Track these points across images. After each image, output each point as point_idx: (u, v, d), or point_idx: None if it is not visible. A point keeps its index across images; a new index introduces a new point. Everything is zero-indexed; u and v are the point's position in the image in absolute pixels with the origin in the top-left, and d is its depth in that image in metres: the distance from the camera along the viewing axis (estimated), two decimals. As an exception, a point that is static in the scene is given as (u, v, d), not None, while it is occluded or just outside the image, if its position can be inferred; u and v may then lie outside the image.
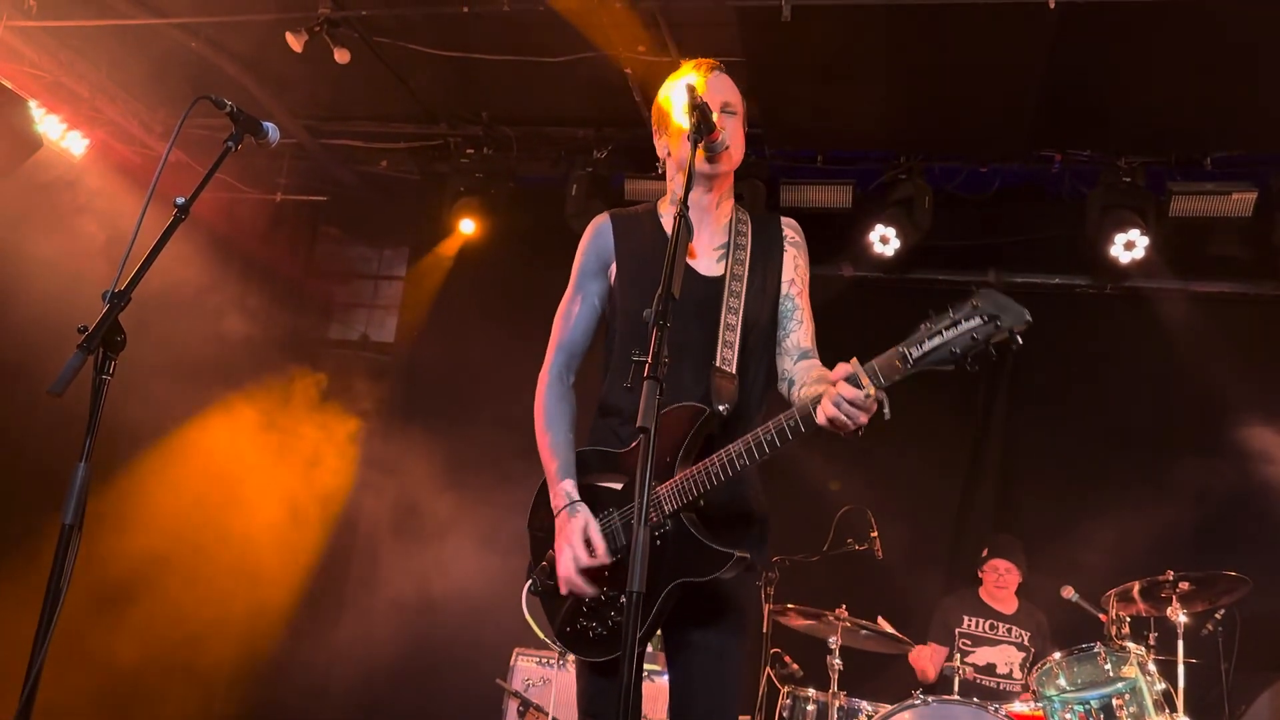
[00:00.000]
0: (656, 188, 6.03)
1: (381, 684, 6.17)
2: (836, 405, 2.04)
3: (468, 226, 6.52)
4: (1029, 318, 1.87)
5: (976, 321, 1.89)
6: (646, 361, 1.90)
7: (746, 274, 2.49)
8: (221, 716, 6.43)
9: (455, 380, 6.63)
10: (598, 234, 2.59)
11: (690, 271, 2.46)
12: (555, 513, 2.39)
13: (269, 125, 2.42)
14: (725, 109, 2.47)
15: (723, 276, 2.48)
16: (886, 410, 2.05)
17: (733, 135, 2.46)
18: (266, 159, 6.58)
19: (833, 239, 6.07)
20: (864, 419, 2.04)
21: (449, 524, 6.05)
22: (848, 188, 5.92)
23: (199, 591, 6.11)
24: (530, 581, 2.44)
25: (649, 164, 6.10)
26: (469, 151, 6.50)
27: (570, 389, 2.58)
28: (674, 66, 4.83)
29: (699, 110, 2.23)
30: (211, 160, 2.32)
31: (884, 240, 5.80)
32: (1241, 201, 5.56)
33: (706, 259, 2.52)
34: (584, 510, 2.36)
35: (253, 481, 6.22)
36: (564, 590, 2.33)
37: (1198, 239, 5.87)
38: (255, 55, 5.68)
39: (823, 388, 2.13)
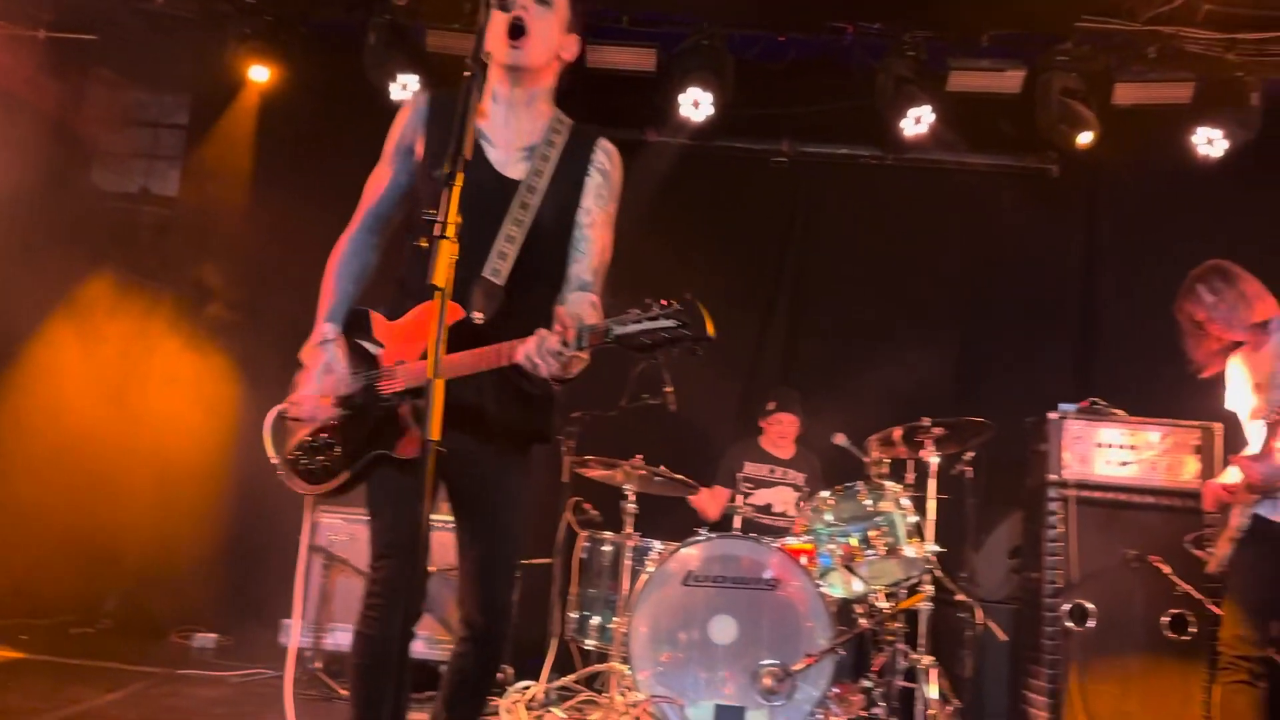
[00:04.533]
0: (462, 42, 5.88)
1: (184, 548, 6.08)
2: (537, 347, 2.16)
3: (259, 74, 6.15)
4: (711, 335, 2.10)
5: (672, 323, 2.09)
6: (438, 220, 1.92)
7: (544, 186, 2.47)
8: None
9: (250, 237, 6.38)
10: (414, 112, 2.57)
11: (488, 163, 2.46)
12: (309, 346, 2.49)
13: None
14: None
15: (517, 181, 2.47)
16: (667, 387, 2.22)
17: (541, 29, 2.44)
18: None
19: (638, 103, 6.15)
20: (557, 369, 2.16)
21: (244, 387, 5.93)
22: (651, 51, 5.94)
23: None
24: (288, 405, 2.56)
25: (454, 13, 5.92)
26: (254, -10, 6.07)
27: (372, 249, 2.60)
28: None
29: None
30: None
31: (695, 105, 5.82)
32: (1012, 78, 5.99)
33: (509, 156, 2.50)
34: (332, 349, 2.46)
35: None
36: (298, 414, 2.48)
37: (973, 113, 6.30)
38: None
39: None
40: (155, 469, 6.27)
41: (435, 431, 1.88)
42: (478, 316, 2.34)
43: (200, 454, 6.04)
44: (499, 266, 2.40)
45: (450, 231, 1.93)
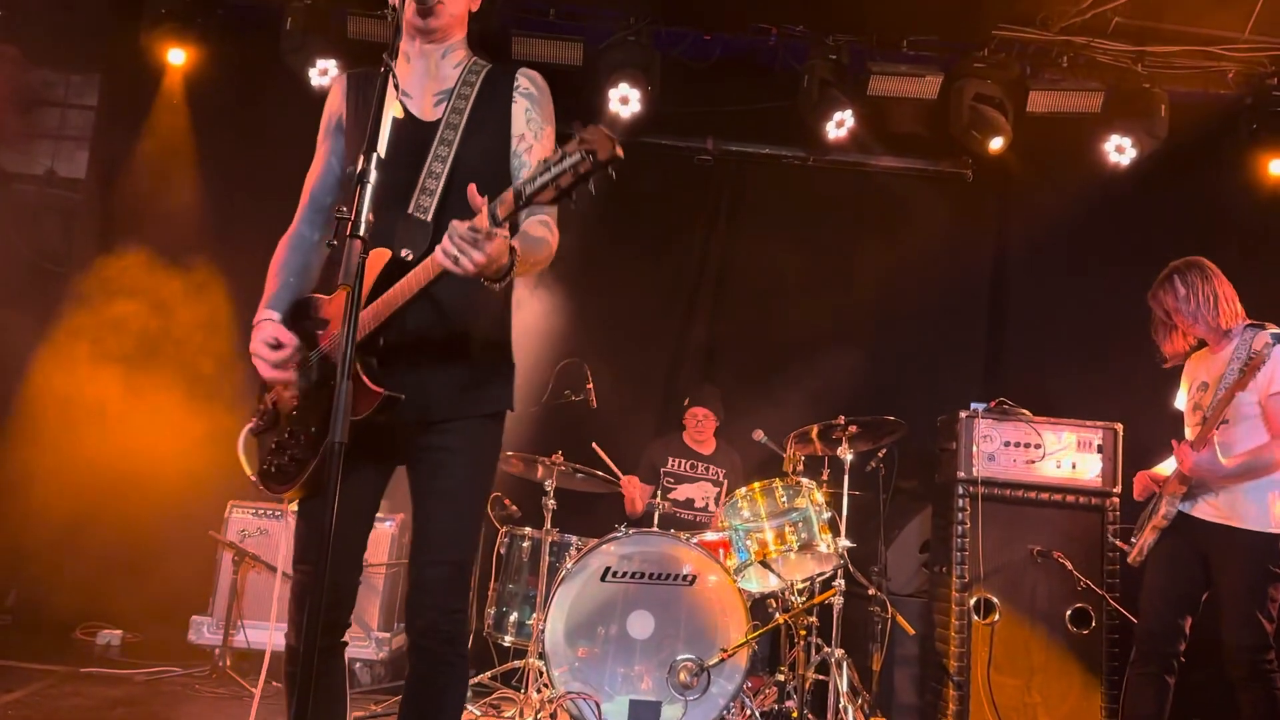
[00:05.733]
0: (383, 29, 5.79)
1: (90, 542, 5.89)
2: (449, 239, 2.03)
3: (177, 57, 6.00)
4: (619, 151, 1.94)
5: (578, 157, 1.95)
6: (349, 219, 1.91)
7: (464, 121, 2.45)
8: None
9: (161, 223, 6.20)
10: (333, 94, 2.59)
11: (408, 117, 2.43)
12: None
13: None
14: None
15: (437, 122, 2.45)
16: (498, 241, 2.03)
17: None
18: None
19: (565, 96, 6.11)
20: (478, 256, 2.02)
21: (152, 373, 5.77)
22: (578, 44, 5.93)
23: None
24: (253, 422, 2.50)
25: (376, 1, 5.83)
26: (170, -30, 5.90)
27: (315, 244, 2.57)
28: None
29: None
30: None
31: (624, 101, 5.83)
32: (930, 84, 6.12)
33: (426, 103, 2.49)
34: (267, 322, 2.38)
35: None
36: (273, 380, 2.38)
37: (892, 117, 6.43)
38: None
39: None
40: (59, 460, 6.06)
41: (344, 433, 1.86)
42: (406, 253, 2.30)
43: (107, 445, 5.85)
44: (425, 203, 2.37)
45: (362, 230, 1.91)
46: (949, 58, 6.09)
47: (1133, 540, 4.04)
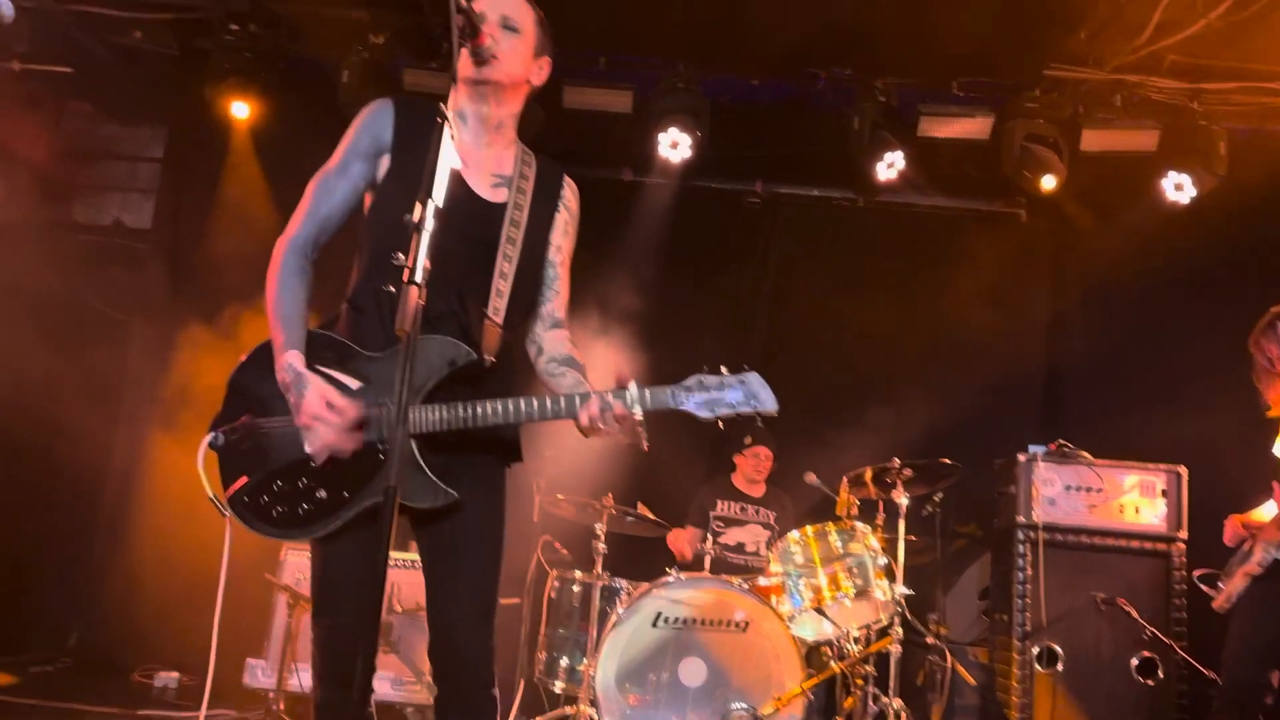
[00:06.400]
0: (439, 81, 5.92)
1: (150, 580, 5.99)
2: (601, 411, 2.22)
3: (241, 111, 6.15)
4: (776, 409, 2.28)
5: (739, 397, 2.26)
6: (407, 266, 1.88)
7: (527, 214, 2.44)
8: None
9: (222, 270, 6.36)
10: (377, 115, 2.44)
11: (466, 186, 2.40)
12: (282, 386, 2.26)
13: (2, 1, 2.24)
14: (505, 23, 2.41)
15: (503, 205, 2.43)
16: (644, 440, 2.27)
17: (508, 50, 2.39)
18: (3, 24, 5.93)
19: (614, 143, 6.21)
20: (614, 431, 2.24)
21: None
22: (628, 93, 6.01)
23: None
24: (212, 435, 2.35)
25: (431, 53, 5.97)
26: (233, 28, 6.09)
27: (311, 264, 2.41)
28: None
29: (464, 13, 2.18)
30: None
31: (674, 145, 5.88)
32: (981, 125, 6.09)
33: (485, 181, 2.45)
34: (316, 380, 2.24)
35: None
36: (323, 457, 2.25)
37: (943, 157, 6.40)
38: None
39: (575, 375, 2.36)
40: (117, 503, 6.20)
41: (397, 477, 1.86)
42: (489, 359, 2.34)
43: (167, 487, 5.96)
44: (498, 305, 2.38)
45: (420, 277, 1.92)
46: (999, 98, 6.05)
47: (1220, 585, 3.90)
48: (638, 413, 2.22)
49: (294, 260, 2.38)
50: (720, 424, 2.29)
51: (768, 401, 2.28)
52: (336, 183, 2.42)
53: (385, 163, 2.43)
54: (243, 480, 2.33)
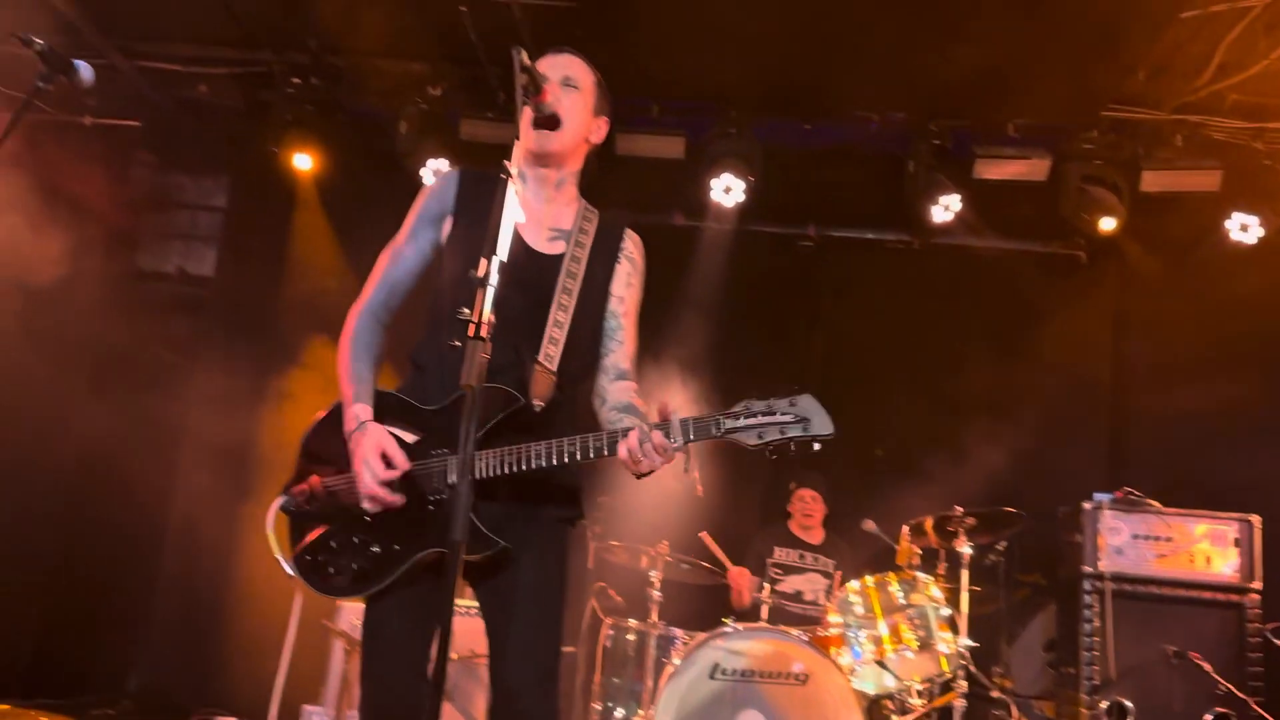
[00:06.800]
0: (495, 131, 6.01)
1: (208, 625, 6.05)
2: (641, 443, 2.14)
3: (303, 162, 6.28)
4: (833, 431, 2.10)
5: (789, 419, 2.11)
6: (472, 321, 1.92)
7: (584, 266, 2.47)
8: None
9: (281, 316, 6.48)
10: (443, 184, 2.56)
11: (522, 241, 2.44)
12: (347, 435, 2.33)
13: (81, 65, 2.35)
14: (566, 82, 2.50)
15: (559, 257, 2.47)
16: (689, 467, 2.16)
17: (569, 108, 2.46)
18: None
19: (667, 188, 6.25)
20: (660, 464, 2.15)
21: (274, 465, 5.95)
22: (680, 139, 6.05)
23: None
24: (284, 499, 2.41)
25: (488, 103, 6.06)
26: (295, 81, 6.25)
27: (383, 328, 2.53)
28: (508, 9, 4.77)
29: (526, 72, 2.24)
30: (20, 87, 2.21)
31: (727, 190, 5.91)
32: (1038, 166, 6.02)
33: (542, 235, 2.50)
34: (377, 428, 2.31)
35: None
36: (370, 506, 2.29)
37: (1000, 199, 6.33)
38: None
39: (632, 420, 2.28)
40: (177, 548, 6.27)
41: (462, 531, 1.86)
42: (538, 404, 2.32)
43: (227, 534, 6.03)
44: (551, 352, 2.39)
45: (484, 331, 1.94)
46: (1056, 139, 5.99)
47: None
48: (678, 443, 2.14)
49: (365, 323, 2.50)
50: (771, 454, 2.14)
51: (822, 425, 2.12)
52: (405, 249, 2.55)
53: (448, 225, 2.53)
54: (307, 540, 2.38)
